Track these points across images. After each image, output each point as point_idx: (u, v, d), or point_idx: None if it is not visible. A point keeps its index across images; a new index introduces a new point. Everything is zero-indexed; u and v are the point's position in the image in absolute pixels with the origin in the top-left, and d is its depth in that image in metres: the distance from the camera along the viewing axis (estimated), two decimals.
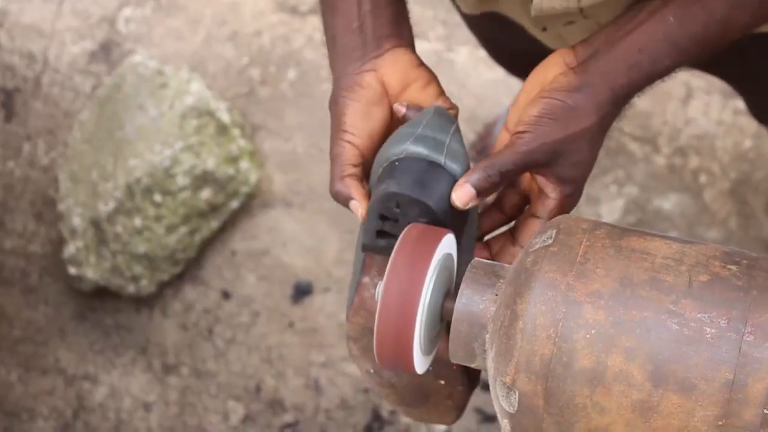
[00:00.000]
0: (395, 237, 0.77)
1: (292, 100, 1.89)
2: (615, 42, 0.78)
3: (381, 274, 0.80)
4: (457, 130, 0.82)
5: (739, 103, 1.74)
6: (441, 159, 0.79)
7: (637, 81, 0.78)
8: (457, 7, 1.06)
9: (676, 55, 0.78)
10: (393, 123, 0.85)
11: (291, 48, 1.92)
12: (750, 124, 1.74)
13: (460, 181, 0.77)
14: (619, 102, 0.78)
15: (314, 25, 1.94)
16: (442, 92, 0.86)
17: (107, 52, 1.99)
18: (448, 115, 0.83)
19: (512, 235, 0.84)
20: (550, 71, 0.80)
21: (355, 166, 0.82)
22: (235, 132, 1.82)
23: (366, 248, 0.80)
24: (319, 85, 1.89)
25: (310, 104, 1.88)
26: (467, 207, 0.77)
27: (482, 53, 1.44)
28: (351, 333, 0.84)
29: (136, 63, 1.86)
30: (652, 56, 0.77)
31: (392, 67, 0.84)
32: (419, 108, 0.84)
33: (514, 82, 1.77)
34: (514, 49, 1.17)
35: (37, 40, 2.02)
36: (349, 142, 0.82)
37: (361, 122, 0.82)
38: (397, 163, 0.79)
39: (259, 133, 1.88)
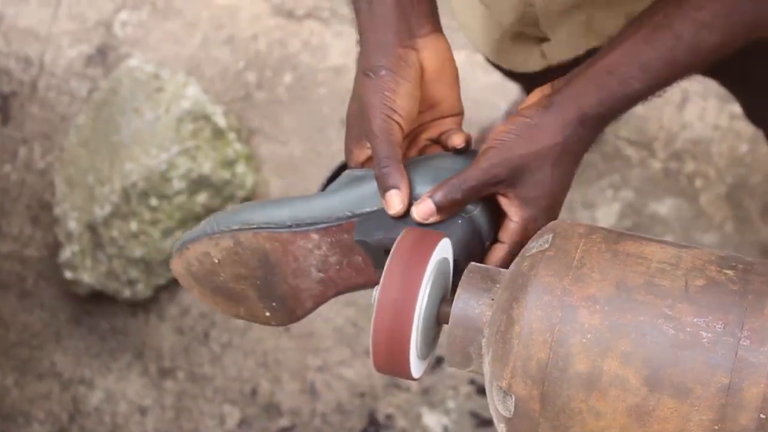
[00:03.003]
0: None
1: (288, 104, 1.89)
2: (587, 67, 0.79)
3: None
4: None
5: (735, 108, 1.74)
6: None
7: (607, 102, 0.78)
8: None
9: (646, 77, 0.78)
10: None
11: (287, 52, 1.92)
12: (746, 128, 1.75)
13: (423, 196, 0.78)
14: (587, 123, 0.78)
15: (310, 29, 1.94)
16: (458, 96, 0.86)
17: (103, 55, 1.99)
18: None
19: None
20: (528, 102, 0.81)
21: (401, 149, 0.80)
22: (231, 136, 1.82)
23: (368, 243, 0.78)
24: (315, 89, 1.89)
25: (307, 108, 1.88)
26: (427, 222, 0.77)
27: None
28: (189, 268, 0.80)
29: (133, 67, 1.86)
30: (621, 77, 0.78)
31: (432, 52, 0.83)
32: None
33: (511, 87, 1.77)
34: None
35: (34, 43, 2.02)
36: (398, 123, 0.80)
37: (409, 105, 0.81)
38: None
39: (255, 137, 1.88)
